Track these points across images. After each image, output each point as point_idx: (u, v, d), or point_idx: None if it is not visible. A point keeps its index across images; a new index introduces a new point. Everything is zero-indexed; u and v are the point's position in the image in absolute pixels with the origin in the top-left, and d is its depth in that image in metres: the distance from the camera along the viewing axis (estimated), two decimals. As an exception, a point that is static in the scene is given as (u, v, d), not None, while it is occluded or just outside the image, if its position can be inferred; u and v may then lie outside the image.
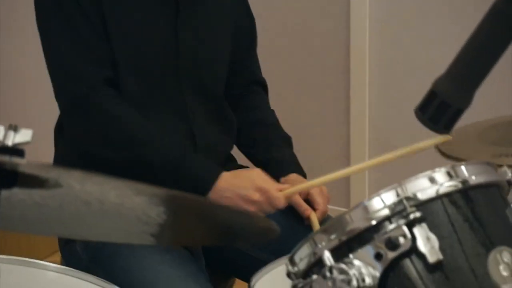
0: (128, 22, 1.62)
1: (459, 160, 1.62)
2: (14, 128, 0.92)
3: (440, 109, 1.17)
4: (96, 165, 1.51)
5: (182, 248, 1.59)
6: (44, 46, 1.64)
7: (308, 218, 1.66)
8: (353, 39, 2.76)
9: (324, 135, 2.90)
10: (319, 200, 1.67)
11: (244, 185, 1.58)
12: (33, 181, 0.89)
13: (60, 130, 1.72)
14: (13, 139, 0.91)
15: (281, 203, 1.58)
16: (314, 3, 2.84)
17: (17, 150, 0.89)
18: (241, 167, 1.82)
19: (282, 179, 1.70)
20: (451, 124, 1.18)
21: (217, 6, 1.73)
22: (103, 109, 1.60)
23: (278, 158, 1.75)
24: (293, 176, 1.72)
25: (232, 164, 1.81)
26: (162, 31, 1.65)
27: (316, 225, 1.64)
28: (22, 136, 0.92)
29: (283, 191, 1.59)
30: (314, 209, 1.67)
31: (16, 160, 0.85)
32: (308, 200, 1.68)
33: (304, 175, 1.75)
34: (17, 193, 0.92)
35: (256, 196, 1.56)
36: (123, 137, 1.61)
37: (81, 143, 1.64)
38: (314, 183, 1.63)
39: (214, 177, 1.59)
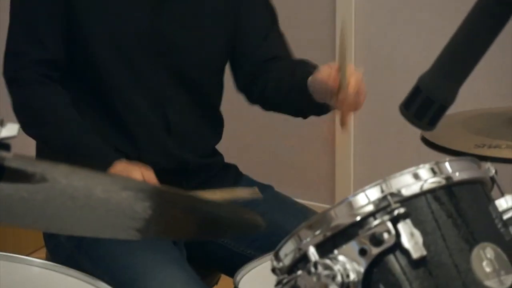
0: (105, 3, 1.64)
1: (443, 148, 1.64)
2: (0, 123, 0.92)
3: (424, 105, 1.18)
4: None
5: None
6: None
7: (338, 90, 1.53)
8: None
9: (310, 129, 2.91)
10: (352, 81, 1.53)
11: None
12: (20, 176, 0.89)
13: None
14: (-1, 133, 0.91)
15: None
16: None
17: (3, 145, 0.89)
18: (227, 165, 1.82)
19: (316, 74, 1.60)
20: (435, 121, 1.19)
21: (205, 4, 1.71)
22: (26, 87, 1.64)
23: (299, 75, 1.66)
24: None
25: (216, 159, 1.81)
26: (144, 14, 1.65)
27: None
28: (8, 130, 0.92)
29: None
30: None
31: (2, 154, 0.85)
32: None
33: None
34: (3, 188, 0.92)
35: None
36: (34, 115, 1.65)
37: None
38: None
39: (109, 162, 1.57)
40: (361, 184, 2.86)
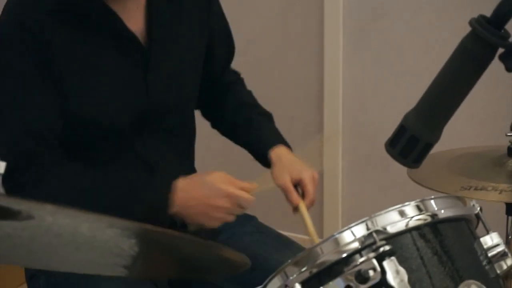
0: (94, 81, 1.58)
1: (429, 189, 1.65)
2: (-13, 160, 0.93)
3: (409, 143, 1.19)
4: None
5: (148, 282, 1.58)
6: None
7: (297, 208, 1.65)
8: (326, 74, 2.79)
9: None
10: (310, 188, 1.65)
11: (206, 192, 1.54)
12: (5, 213, 0.89)
13: None
14: (-15, 171, 0.91)
15: (249, 202, 1.56)
16: (289, 43, 2.87)
17: (-11, 182, 0.89)
18: None
19: (272, 155, 1.70)
20: (421, 159, 1.20)
21: (188, 40, 1.71)
22: (38, 176, 1.54)
23: (261, 135, 1.76)
24: (282, 151, 1.71)
25: None
26: (131, 84, 1.61)
27: (306, 215, 1.62)
28: (-5, 168, 0.92)
29: (249, 191, 1.57)
30: (303, 197, 1.66)
31: (-12, 192, 0.85)
32: (297, 187, 1.67)
33: (289, 146, 1.75)
34: (-12, 225, 0.92)
35: (222, 201, 1.54)
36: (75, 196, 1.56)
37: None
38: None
39: (168, 191, 1.54)
40: (348, 218, 2.88)
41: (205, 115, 1.89)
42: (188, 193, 1.55)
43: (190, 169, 1.80)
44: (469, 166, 1.76)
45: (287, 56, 2.87)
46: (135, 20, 1.61)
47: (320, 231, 2.89)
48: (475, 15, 1.37)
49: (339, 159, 2.81)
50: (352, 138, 2.79)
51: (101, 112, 1.58)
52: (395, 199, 2.56)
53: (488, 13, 1.15)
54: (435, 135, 1.19)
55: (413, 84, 2.59)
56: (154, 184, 1.59)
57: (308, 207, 1.65)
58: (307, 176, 1.66)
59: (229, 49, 1.88)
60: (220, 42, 1.81)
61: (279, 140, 1.74)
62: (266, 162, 1.73)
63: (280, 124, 2.76)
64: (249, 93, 1.88)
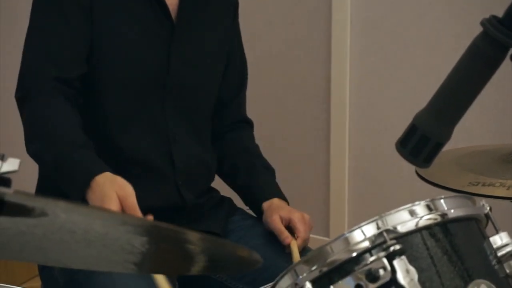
0: (121, 37, 1.65)
1: (438, 186, 1.65)
2: (1, 157, 0.93)
3: (420, 142, 1.18)
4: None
5: None
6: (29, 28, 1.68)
7: (289, 246, 1.67)
8: (334, 72, 2.78)
9: (304, 163, 2.92)
10: (300, 227, 1.67)
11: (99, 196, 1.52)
12: (19, 210, 0.90)
13: None
14: (0, 168, 0.92)
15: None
16: (295, 47, 2.87)
17: (4, 180, 0.89)
18: (223, 199, 1.82)
19: (264, 204, 1.72)
20: (431, 158, 1.20)
21: (211, 35, 1.76)
22: (39, 99, 1.62)
23: (259, 184, 1.76)
24: (275, 201, 1.73)
25: (212, 195, 1.82)
26: (154, 55, 1.68)
27: (296, 254, 1.64)
28: (10, 165, 0.93)
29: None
30: (295, 236, 1.68)
31: (2, 190, 0.86)
32: (290, 227, 1.69)
33: (286, 201, 1.76)
34: (2, 222, 0.92)
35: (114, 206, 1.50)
36: (33, 130, 1.63)
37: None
38: None
39: (97, 171, 1.55)
40: (355, 216, 2.88)
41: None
42: (101, 183, 1.53)
43: (205, 151, 1.79)
44: (477, 163, 1.77)
45: (294, 54, 2.87)
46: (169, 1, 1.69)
47: (326, 229, 2.89)
48: (484, 12, 1.38)
49: (346, 156, 2.81)
50: (359, 135, 2.79)
51: (124, 64, 1.65)
52: (403, 197, 2.57)
53: (497, 10, 1.15)
54: (446, 134, 1.19)
55: (420, 82, 2.59)
56: (87, 164, 1.58)
57: (301, 247, 1.66)
58: (297, 216, 1.68)
59: (242, 75, 1.88)
60: (234, 62, 1.84)
61: (277, 194, 1.75)
62: (258, 211, 1.75)
63: (287, 121, 2.76)
64: (257, 145, 1.88)
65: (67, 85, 1.63)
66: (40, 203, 0.89)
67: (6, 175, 0.91)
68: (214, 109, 1.81)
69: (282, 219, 1.68)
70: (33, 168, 1.70)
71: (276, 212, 1.69)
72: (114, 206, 1.48)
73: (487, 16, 1.16)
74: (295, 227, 1.68)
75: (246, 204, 1.82)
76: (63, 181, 1.59)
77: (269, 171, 1.82)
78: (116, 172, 1.58)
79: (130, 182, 1.56)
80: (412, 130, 1.19)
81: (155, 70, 1.68)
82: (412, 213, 1.14)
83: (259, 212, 1.75)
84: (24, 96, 1.64)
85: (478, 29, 1.16)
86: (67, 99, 1.62)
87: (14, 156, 0.94)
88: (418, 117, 1.19)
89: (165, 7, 1.68)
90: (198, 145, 1.76)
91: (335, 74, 2.78)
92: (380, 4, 2.69)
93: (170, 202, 1.70)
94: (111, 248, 1.00)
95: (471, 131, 2.42)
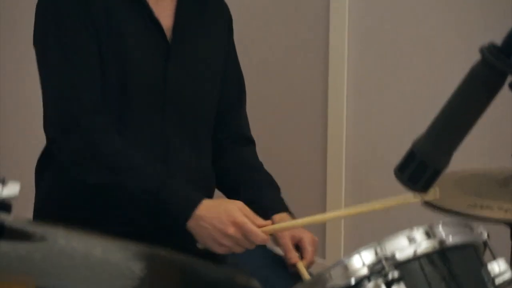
0: (120, 47, 1.66)
1: (436, 207, 1.65)
2: (2, 181, 0.93)
3: (418, 169, 1.19)
4: (77, 196, 1.61)
5: None
6: (39, 67, 1.67)
7: (293, 265, 1.65)
8: (331, 76, 2.77)
9: (301, 175, 2.92)
10: (309, 249, 1.66)
11: (221, 217, 1.55)
12: (19, 235, 0.90)
13: (40, 169, 1.73)
14: (0, 192, 0.92)
15: (259, 238, 1.55)
16: (293, 53, 2.88)
17: (4, 205, 0.90)
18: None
19: (275, 218, 1.68)
20: (429, 184, 1.20)
21: (207, 46, 1.77)
22: (90, 135, 1.62)
23: (263, 199, 1.73)
24: (285, 216, 1.70)
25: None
26: (153, 64, 1.69)
27: (305, 274, 1.62)
28: (10, 189, 0.93)
29: (263, 228, 1.56)
30: (302, 256, 1.65)
31: (2, 216, 0.86)
32: (297, 246, 1.67)
33: (292, 215, 1.72)
34: (2, 246, 0.92)
35: (231, 230, 1.54)
36: (104, 162, 1.61)
37: (67, 169, 1.65)
38: (296, 223, 1.62)
39: (195, 204, 1.57)
40: (351, 237, 2.85)
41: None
42: (207, 211, 1.56)
43: (204, 167, 1.79)
44: (475, 186, 1.77)
45: (292, 61, 2.87)
46: (164, 16, 1.71)
47: (322, 245, 2.89)
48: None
49: (343, 168, 2.80)
50: (356, 144, 2.78)
51: (122, 78, 1.65)
52: (400, 216, 2.55)
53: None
54: (445, 161, 1.19)
55: (419, 88, 2.58)
56: (182, 193, 1.61)
57: (306, 268, 1.64)
58: (308, 236, 1.67)
59: (240, 89, 1.88)
60: (231, 76, 1.84)
61: (286, 209, 1.73)
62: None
63: (284, 128, 2.75)
64: (261, 162, 1.86)
65: (103, 110, 1.64)
66: (40, 228, 0.89)
67: (6, 200, 0.91)
68: (215, 124, 1.81)
69: (292, 238, 1.66)
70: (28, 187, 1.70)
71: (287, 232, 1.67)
72: (232, 230, 1.54)
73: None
74: (304, 248, 1.66)
75: None
76: (155, 214, 1.58)
77: (272, 185, 1.80)
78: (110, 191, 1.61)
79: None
80: (410, 156, 1.19)
81: (153, 85, 1.69)
82: (411, 239, 1.14)
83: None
84: (67, 128, 1.62)
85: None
86: (109, 127, 1.64)
87: (14, 178, 0.94)
88: (416, 143, 1.19)
89: (160, 27, 1.70)
90: (197, 156, 1.75)
91: (332, 80, 2.76)
92: (378, 10, 2.68)
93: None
94: (111, 274, 1.00)
95: (469, 153, 2.43)
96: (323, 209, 2.84)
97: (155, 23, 1.69)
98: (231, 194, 1.81)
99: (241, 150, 1.84)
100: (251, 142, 1.88)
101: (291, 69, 2.88)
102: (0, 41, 3.08)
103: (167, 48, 1.70)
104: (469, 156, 2.40)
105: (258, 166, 1.84)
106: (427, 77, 2.59)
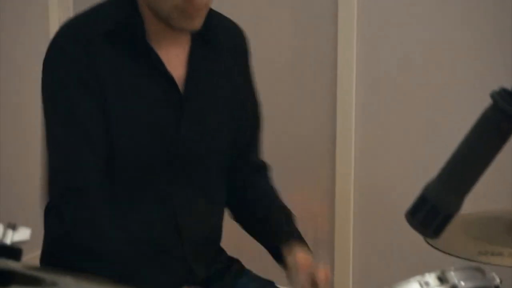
0: (130, 112, 1.60)
1: (446, 253, 1.64)
2: (13, 227, 0.93)
3: (430, 214, 1.18)
4: None
5: None
6: (45, 130, 1.62)
7: None
8: (340, 82, 2.75)
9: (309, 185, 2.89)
10: (322, 285, 1.62)
11: None
12: (31, 281, 0.89)
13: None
14: (11, 237, 0.92)
15: None
16: (302, 55, 2.85)
17: (15, 250, 0.89)
18: (231, 259, 1.81)
19: (284, 249, 1.66)
20: (441, 230, 1.19)
21: (223, 91, 1.72)
22: (78, 212, 1.56)
23: (277, 229, 1.72)
24: (297, 248, 1.67)
25: (221, 257, 1.80)
26: (164, 130, 1.63)
27: None
28: (21, 234, 0.93)
29: None
30: None
31: (13, 263, 0.86)
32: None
33: (307, 246, 1.70)
34: (12, 291, 0.92)
35: None
36: (83, 247, 1.55)
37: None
38: None
39: None
40: (361, 282, 2.81)
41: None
42: None
43: (215, 220, 1.76)
44: (485, 231, 1.75)
45: (300, 73, 2.85)
46: (175, 66, 1.65)
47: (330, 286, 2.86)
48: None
49: (351, 209, 2.79)
50: (366, 201, 2.77)
51: (131, 142, 1.60)
52: (410, 256, 2.52)
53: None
54: (456, 206, 1.19)
55: (430, 88, 2.57)
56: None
57: None
58: (322, 274, 1.63)
59: (256, 119, 1.83)
60: (249, 107, 1.79)
61: (296, 238, 1.70)
62: (278, 257, 1.70)
63: (292, 139, 2.71)
64: (275, 188, 1.83)
65: (99, 187, 1.59)
66: (50, 275, 0.89)
67: (17, 245, 0.91)
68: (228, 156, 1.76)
69: (307, 278, 1.63)
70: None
71: (303, 268, 1.64)
72: None
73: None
74: (319, 286, 1.62)
75: (266, 248, 1.77)
76: None
77: (287, 215, 1.77)
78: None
79: (137, 259, 1.55)
80: (422, 201, 1.19)
81: (163, 145, 1.63)
82: (423, 285, 1.13)
83: (278, 255, 1.70)
84: (67, 195, 1.57)
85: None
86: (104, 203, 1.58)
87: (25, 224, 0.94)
88: (428, 188, 1.19)
89: (171, 80, 1.63)
90: (208, 210, 1.72)
91: (341, 79, 2.74)
92: (386, 10, 2.66)
93: (181, 280, 1.65)
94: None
95: (478, 196, 2.41)
96: (332, 259, 2.82)
97: (167, 77, 1.63)
98: (244, 224, 1.80)
99: (255, 180, 1.81)
100: (264, 167, 1.85)
101: (298, 72, 2.84)
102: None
103: (179, 101, 1.64)
104: (478, 198, 2.39)
105: (271, 194, 1.81)
106: (438, 77, 2.55)
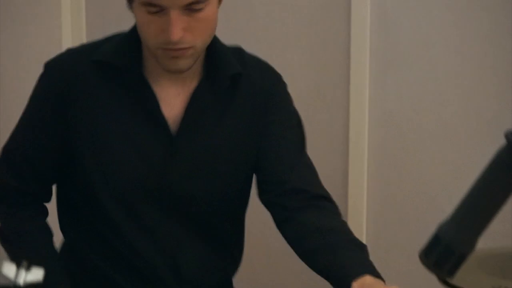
0: (118, 147, 1.58)
1: (459, 288, 1.63)
2: (26, 267, 0.94)
3: (444, 254, 1.18)
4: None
5: None
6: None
7: None
8: (353, 84, 2.73)
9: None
10: None
11: None
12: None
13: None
14: (24, 278, 0.92)
15: None
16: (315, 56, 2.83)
17: (29, 290, 0.90)
18: None
19: (354, 284, 1.41)
20: (455, 269, 1.19)
21: (217, 139, 1.64)
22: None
23: (345, 261, 1.48)
24: (368, 279, 1.42)
25: None
26: (150, 170, 1.59)
27: None
28: (33, 275, 0.93)
29: None
30: None
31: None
32: None
33: (381, 278, 1.45)
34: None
35: None
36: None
37: None
38: None
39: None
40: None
41: (280, 227, 1.65)
42: None
43: (220, 259, 1.70)
44: (499, 266, 1.74)
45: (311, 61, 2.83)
46: (173, 105, 1.61)
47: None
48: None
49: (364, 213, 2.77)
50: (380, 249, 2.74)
51: (115, 179, 1.58)
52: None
53: None
54: (470, 246, 1.19)
55: (444, 83, 2.53)
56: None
57: None
58: None
59: (296, 148, 1.69)
60: (280, 136, 1.67)
61: (369, 270, 1.46)
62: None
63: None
64: (342, 221, 1.62)
65: (28, 197, 1.65)
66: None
67: (30, 286, 0.92)
68: (274, 189, 1.63)
69: None
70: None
71: None
72: None
73: None
74: None
75: (334, 286, 1.52)
76: None
77: (357, 246, 1.54)
78: (115, 280, 1.59)
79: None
80: (435, 241, 1.19)
81: (151, 185, 1.59)
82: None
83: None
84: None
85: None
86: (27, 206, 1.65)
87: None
88: (441, 228, 1.19)
89: (162, 119, 1.59)
90: (210, 249, 1.66)
91: (354, 79, 2.70)
92: (400, 9, 2.63)
93: None
94: None
95: (490, 233, 2.40)
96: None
97: (158, 116, 1.59)
98: (309, 262, 1.58)
99: (311, 214, 1.60)
100: (322, 198, 1.64)
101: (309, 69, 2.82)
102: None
103: (170, 140, 1.59)
104: (488, 234, 2.37)
105: (334, 227, 1.58)
106: (453, 77, 2.52)
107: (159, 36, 1.49)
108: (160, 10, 1.47)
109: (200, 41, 1.53)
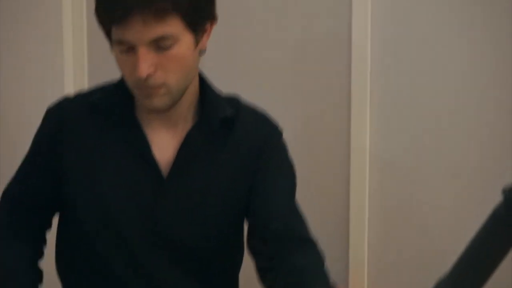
0: (109, 189, 1.59)
1: None
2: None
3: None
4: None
5: None
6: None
7: None
8: (354, 86, 2.73)
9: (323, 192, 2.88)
10: None
11: None
12: None
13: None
14: None
15: None
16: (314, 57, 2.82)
17: None
18: None
19: None
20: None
21: (207, 184, 1.62)
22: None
23: None
24: None
25: None
26: (140, 212, 1.59)
27: None
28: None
29: None
30: None
31: None
32: None
33: None
34: None
35: None
36: None
37: None
38: None
39: None
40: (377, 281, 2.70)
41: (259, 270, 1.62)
42: None
43: None
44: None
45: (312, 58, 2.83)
46: (165, 148, 1.61)
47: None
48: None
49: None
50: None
51: (107, 221, 1.58)
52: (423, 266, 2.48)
53: None
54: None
55: (446, 88, 2.54)
56: None
57: None
58: None
59: (283, 189, 1.68)
60: (270, 182, 1.66)
61: None
62: None
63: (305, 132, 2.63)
64: (316, 260, 1.58)
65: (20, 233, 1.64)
66: None
67: None
68: (258, 232, 1.62)
69: None
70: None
71: None
72: None
73: None
74: None
75: None
76: None
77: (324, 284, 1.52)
78: None
79: None
80: (433, 297, 1.20)
81: (142, 227, 1.59)
82: None
83: None
84: None
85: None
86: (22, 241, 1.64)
87: None
88: (439, 284, 1.20)
89: (152, 161, 1.59)
90: None
91: (355, 82, 2.70)
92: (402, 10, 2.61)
93: None
94: None
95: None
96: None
97: (149, 158, 1.59)
98: None
99: (290, 259, 1.59)
100: (308, 243, 1.62)
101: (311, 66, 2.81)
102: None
103: (160, 183, 1.59)
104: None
105: (308, 268, 1.56)
106: (457, 78, 2.51)
107: (132, 75, 1.50)
108: (131, 49, 1.48)
109: (173, 80, 1.52)
